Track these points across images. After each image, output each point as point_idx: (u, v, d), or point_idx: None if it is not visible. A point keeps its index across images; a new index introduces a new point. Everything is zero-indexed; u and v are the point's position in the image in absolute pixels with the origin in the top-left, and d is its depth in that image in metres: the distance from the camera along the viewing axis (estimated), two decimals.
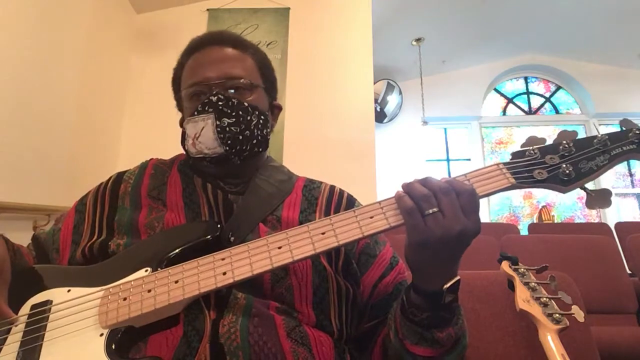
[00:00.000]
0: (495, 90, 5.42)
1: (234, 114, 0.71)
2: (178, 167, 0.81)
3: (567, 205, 4.90)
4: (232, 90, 0.73)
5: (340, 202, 0.79)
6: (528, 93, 5.42)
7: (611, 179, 4.86)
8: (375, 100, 4.81)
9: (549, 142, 0.59)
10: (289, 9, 2.82)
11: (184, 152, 0.79)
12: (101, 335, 0.55)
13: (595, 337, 0.95)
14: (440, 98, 5.03)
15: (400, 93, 5.01)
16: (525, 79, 5.43)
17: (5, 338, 0.56)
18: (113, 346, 0.54)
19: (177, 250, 0.61)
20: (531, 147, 0.58)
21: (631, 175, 4.93)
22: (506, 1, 4.03)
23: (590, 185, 0.58)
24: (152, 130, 2.65)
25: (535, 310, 0.75)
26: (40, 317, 0.58)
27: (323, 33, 2.83)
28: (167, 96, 3.05)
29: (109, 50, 2.50)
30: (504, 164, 0.58)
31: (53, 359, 0.54)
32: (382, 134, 4.63)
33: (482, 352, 0.94)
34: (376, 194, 2.60)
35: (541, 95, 5.39)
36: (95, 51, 2.32)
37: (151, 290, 0.56)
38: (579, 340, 0.91)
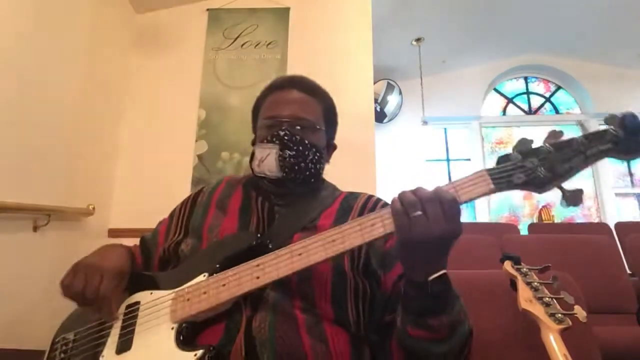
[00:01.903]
0: (495, 90, 5.42)
1: (295, 148, 0.86)
2: (243, 183, 0.97)
3: None
4: (298, 128, 0.88)
5: (374, 208, 0.87)
6: (528, 93, 5.42)
7: (611, 179, 4.86)
8: (375, 100, 4.81)
9: (538, 144, 0.64)
10: (289, 9, 2.81)
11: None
12: (172, 328, 0.70)
13: (596, 337, 0.94)
14: (440, 98, 5.03)
15: (400, 93, 5.00)
16: (525, 79, 5.44)
17: (109, 332, 0.75)
18: (180, 337, 0.69)
19: (223, 259, 0.75)
20: (515, 151, 0.64)
21: (631, 175, 4.93)
22: (506, 1, 4.03)
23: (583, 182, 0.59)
24: (151, 130, 2.65)
25: (538, 310, 0.75)
26: (132, 316, 0.75)
27: (323, 33, 2.82)
28: (167, 96, 3.05)
29: (109, 50, 2.50)
30: (488, 170, 0.63)
31: (139, 347, 0.71)
32: (382, 134, 4.62)
33: (483, 351, 0.94)
34: (376, 194, 2.59)
35: (541, 95, 5.40)
36: (95, 51, 2.32)
37: (206, 292, 0.71)
38: (581, 340, 0.90)
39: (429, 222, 0.59)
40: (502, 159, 0.64)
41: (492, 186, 0.62)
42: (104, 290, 0.73)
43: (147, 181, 2.51)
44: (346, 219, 0.83)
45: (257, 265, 0.69)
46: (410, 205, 0.60)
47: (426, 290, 0.63)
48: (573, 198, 0.61)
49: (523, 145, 0.64)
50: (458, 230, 0.61)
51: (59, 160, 2.02)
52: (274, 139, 0.86)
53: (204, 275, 0.74)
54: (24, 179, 1.78)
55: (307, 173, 0.87)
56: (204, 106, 2.65)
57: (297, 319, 0.72)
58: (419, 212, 0.60)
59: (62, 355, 0.78)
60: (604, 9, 4.02)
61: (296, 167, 0.86)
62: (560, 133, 0.63)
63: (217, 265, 0.74)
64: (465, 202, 0.62)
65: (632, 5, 3.89)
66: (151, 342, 0.71)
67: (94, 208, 2.22)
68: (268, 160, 0.86)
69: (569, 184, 0.62)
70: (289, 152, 0.85)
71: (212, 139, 2.59)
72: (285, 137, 0.86)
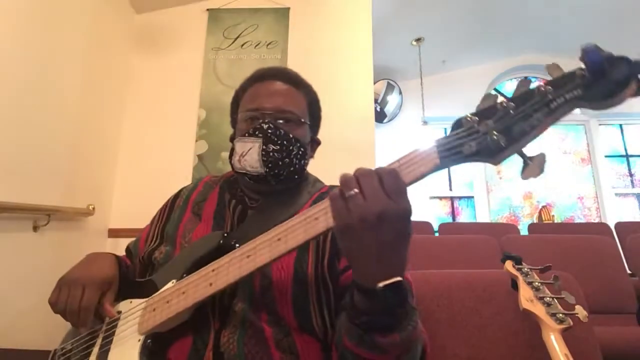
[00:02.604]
0: (495, 90, 5.42)
1: (279, 142, 0.80)
2: (220, 184, 0.92)
3: (567, 205, 4.90)
4: (282, 121, 0.82)
5: None
6: None
7: (611, 179, 4.86)
8: (375, 100, 4.81)
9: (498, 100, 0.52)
10: (289, 9, 2.82)
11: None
12: (138, 340, 0.68)
13: (597, 337, 0.94)
14: (440, 98, 5.03)
15: (400, 93, 5.01)
16: (525, 79, 5.44)
17: (94, 342, 0.73)
18: (146, 350, 0.67)
19: (190, 264, 0.72)
20: (469, 114, 0.52)
21: (631, 175, 4.93)
22: (506, 2, 4.03)
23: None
24: (151, 130, 2.64)
25: (539, 309, 0.75)
26: (112, 326, 0.73)
27: (323, 33, 2.82)
28: (167, 96, 3.06)
29: (109, 51, 2.50)
30: (437, 142, 0.53)
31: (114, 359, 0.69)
32: (382, 134, 4.62)
33: (484, 351, 0.94)
34: None
35: None
36: (95, 51, 2.32)
37: (169, 301, 0.67)
38: (582, 340, 0.90)
39: (366, 200, 0.50)
40: (455, 125, 0.53)
41: (437, 161, 0.52)
42: (86, 302, 0.71)
43: (147, 181, 2.51)
44: None
45: (213, 271, 0.64)
46: (345, 184, 0.52)
47: (374, 300, 0.52)
48: (534, 166, 0.48)
49: (484, 103, 0.52)
50: (402, 207, 0.50)
51: (59, 160, 2.02)
52: (257, 132, 0.80)
53: (172, 282, 0.71)
54: (24, 179, 1.78)
55: (292, 169, 0.82)
56: (204, 106, 2.65)
57: (264, 332, 0.68)
58: (355, 190, 0.51)
59: None
60: (604, 10, 4.02)
61: (280, 163, 0.80)
62: (528, 82, 0.50)
63: (184, 274, 0.70)
64: (411, 182, 0.53)
65: (632, 5, 3.89)
66: (122, 354, 0.69)
67: (94, 208, 2.22)
68: (250, 155, 0.80)
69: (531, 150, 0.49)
70: (272, 146, 0.79)
71: (212, 139, 2.59)
72: (269, 131, 0.80)
